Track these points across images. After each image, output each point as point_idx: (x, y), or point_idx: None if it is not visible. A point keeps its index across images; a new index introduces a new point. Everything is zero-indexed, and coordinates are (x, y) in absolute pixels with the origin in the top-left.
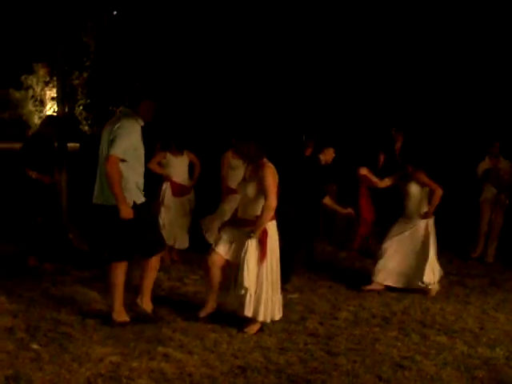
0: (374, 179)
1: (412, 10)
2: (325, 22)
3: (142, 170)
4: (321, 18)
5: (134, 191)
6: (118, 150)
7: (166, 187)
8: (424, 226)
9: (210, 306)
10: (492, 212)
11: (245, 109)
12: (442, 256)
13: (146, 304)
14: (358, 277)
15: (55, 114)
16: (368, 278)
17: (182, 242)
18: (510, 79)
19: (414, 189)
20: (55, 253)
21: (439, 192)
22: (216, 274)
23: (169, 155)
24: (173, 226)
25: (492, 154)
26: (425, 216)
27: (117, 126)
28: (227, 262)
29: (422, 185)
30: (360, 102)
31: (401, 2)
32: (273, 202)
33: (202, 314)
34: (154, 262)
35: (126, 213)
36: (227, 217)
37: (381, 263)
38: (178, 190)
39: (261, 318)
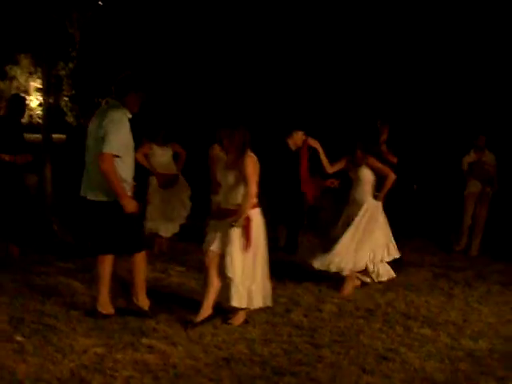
0: (324, 159)
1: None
2: (312, 15)
3: (132, 163)
4: (308, 11)
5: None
6: (111, 147)
7: (152, 179)
8: (374, 208)
9: (206, 311)
10: (476, 205)
11: (231, 99)
12: (426, 249)
13: (142, 301)
14: None
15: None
16: None
17: (169, 229)
18: (495, 74)
19: (365, 174)
20: (31, 240)
21: (392, 176)
22: (213, 274)
23: (154, 147)
24: (160, 216)
25: (477, 147)
26: (376, 197)
27: (105, 120)
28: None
29: (373, 170)
30: (346, 94)
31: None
32: (253, 189)
33: (198, 319)
34: (139, 258)
35: (130, 207)
36: None
37: (338, 253)
38: (164, 181)
39: (250, 307)
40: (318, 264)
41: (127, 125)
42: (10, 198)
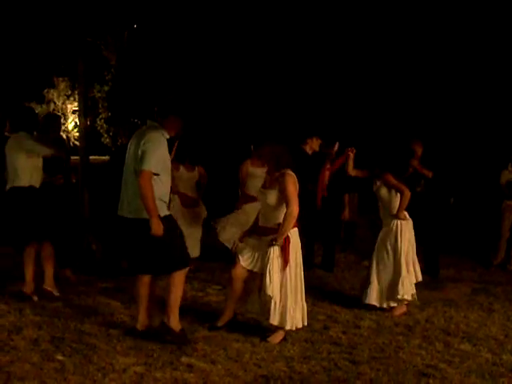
0: (351, 164)
1: (430, 20)
2: (343, 34)
3: (169, 182)
4: (339, 29)
5: (159, 204)
6: (149, 165)
7: (175, 198)
8: (395, 229)
9: (228, 315)
10: None
11: (263, 116)
12: (464, 264)
13: (174, 324)
14: None
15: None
16: None
17: (193, 251)
18: None
19: (383, 192)
20: (76, 260)
21: (407, 194)
22: (238, 287)
23: (182, 169)
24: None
25: None
26: (395, 216)
27: (143, 140)
28: (251, 272)
29: (390, 187)
30: (378, 111)
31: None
32: (295, 209)
33: (220, 323)
34: (177, 278)
35: (158, 229)
36: (242, 224)
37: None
38: (186, 201)
39: (287, 327)
40: (373, 301)
41: (165, 144)
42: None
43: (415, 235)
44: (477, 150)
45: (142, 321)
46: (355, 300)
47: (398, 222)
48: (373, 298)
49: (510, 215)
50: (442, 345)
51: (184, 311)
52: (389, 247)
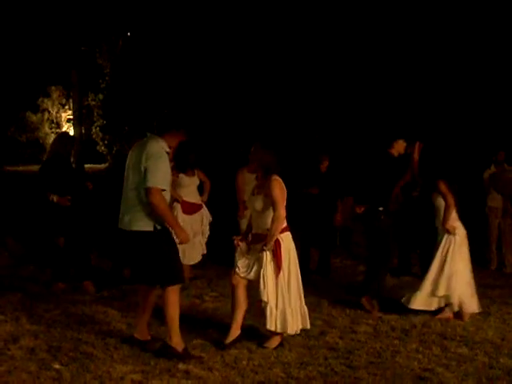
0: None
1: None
2: (339, 33)
3: (169, 194)
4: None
5: (158, 216)
6: (156, 181)
7: (177, 206)
8: (446, 239)
9: (235, 332)
10: (500, 221)
11: (260, 122)
12: None
13: (175, 342)
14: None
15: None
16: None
17: (192, 257)
18: None
19: (434, 198)
20: (70, 272)
21: (450, 203)
22: (241, 294)
23: (182, 175)
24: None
25: (497, 162)
26: (442, 226)
27: (145, 155)
28: (249, 281)
29: (439, 193)
30: (368, 112)
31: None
32: (282, 213)
33: (228, 340)
34: (171, 296)
35: (183, 236)
36: None
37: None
38: (189, 208)
39: (288, 331)
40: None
41: (166, 158)
42: (61, 235)
43: (409, 239)
44: (461, 153)
45: (140, 329)
46: (352, 305)
47: (447, 235)
48: (417, 302)
49: (495, 218)
50: (438, 349)
51: (180, 318)
52: (438, 255)
